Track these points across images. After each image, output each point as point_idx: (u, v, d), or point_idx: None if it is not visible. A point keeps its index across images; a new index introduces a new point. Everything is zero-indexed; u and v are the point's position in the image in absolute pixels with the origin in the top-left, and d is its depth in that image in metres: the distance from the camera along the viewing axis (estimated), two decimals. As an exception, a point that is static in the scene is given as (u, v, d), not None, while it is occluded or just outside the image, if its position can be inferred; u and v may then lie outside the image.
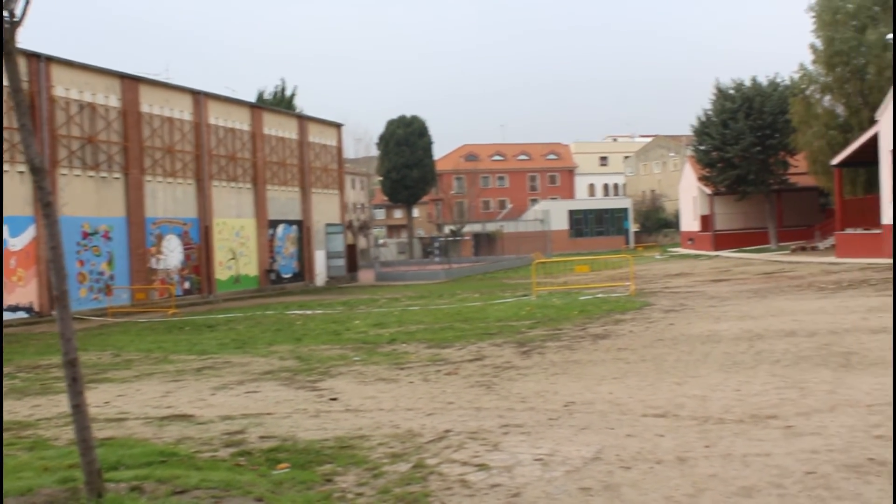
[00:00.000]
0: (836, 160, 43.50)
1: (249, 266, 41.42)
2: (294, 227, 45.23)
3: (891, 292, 21.55)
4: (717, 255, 57.38)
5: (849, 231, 42.39)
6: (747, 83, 59.75)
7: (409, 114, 79.86)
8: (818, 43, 48.18)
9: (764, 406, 9.07)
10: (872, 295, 21.26)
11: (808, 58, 50.32)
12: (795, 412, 8.68)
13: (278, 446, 8.19)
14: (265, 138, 43.14)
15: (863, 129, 42.73)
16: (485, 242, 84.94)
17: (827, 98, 49.63)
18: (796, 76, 51.30)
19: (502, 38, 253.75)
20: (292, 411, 10.18)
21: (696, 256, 59.46)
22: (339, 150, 51.68)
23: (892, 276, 26.10)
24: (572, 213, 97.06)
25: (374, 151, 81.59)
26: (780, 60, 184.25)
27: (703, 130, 60.68)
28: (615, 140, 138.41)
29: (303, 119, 47.77)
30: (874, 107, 41.49)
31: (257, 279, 41.81)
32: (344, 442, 8.30)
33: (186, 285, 37.04)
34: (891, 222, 37.00)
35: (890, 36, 40.63)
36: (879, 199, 39.10)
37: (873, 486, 6.13)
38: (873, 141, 39.10)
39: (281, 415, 9.98)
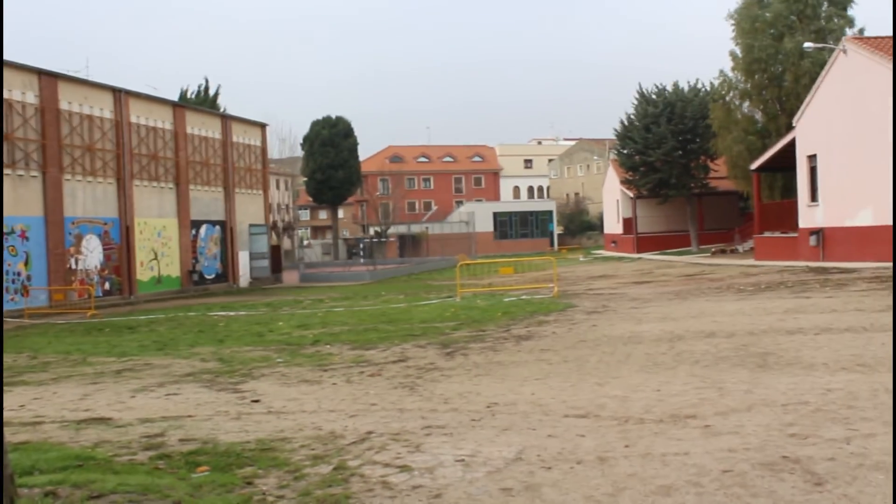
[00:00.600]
0: (754, 165, 44.35)
1: (171, 267, 40.85)
2: (217, 228, 44.74)
3: (807, 294, 22.03)
4: (639, 258, 58.09)
5: (767, 234, 43.24)
6: (669, 88, 60.61)
7: (334, 114, 79.55)
8: (738, 50, 49.08)
9: (683, 406, 9.19)
10: (789, 297, 21.69)
11: (728, 64, 51.28)
12: (714, 412, 8.81)
13: (198, 449, 8.08)
14: (188, 137, 42.57)
15: (780, 135, 43.63)
16: (410, 244, 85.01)
17: (746, 104, 50.59)
18: (717, 82, 52.16)
19: (427, 38, 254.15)
20: (213, 413, 10.07)
21: (619, 259, 60.14)
22: (264, 150, 51.26)
23: (835, 278, 26.66)
24: (497, 215, 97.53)
25: (299, 152, 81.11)
26: (702, 66, 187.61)
27: (626, 134, 61.40)
28: (540, 143, 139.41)
29: (226, 118, 47.27)
30: (791, 113, 42.38)
31: (179, 280, 41.27)
32: (265, 444, 8.23)
33: (107, 286, 36.39)
34: (808, 226, 37.84)
35: (806, 44, 41.51)
36: (796, 203, 39.94)
37: (787, 484, 6.24)
38: (790, 146, 39.93)
39: (202, 417, 9.87)
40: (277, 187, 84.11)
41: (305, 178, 79.74)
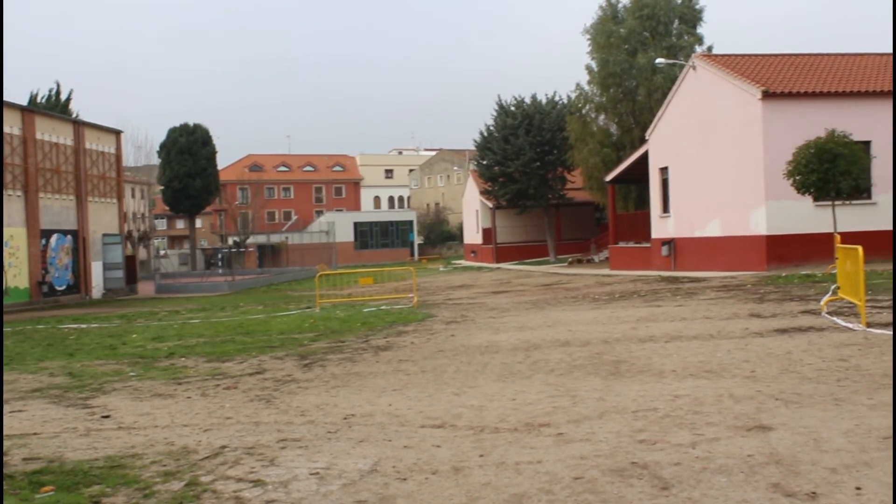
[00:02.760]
0: (609, 177, 45.48)
1: (20, 278, 39.36)
2: (69, 237, 43.34)
3: (659, 303, 22.63)
4: (498, 268, 58.79)
5: (621, 244, 44.37)
6: (528, 101, 61.59)
7: (192, 122, 78.11)
8: (594, 64, 50.32)
9: (537, 414, 9.32)
10: (641, 306, 22.25)
11: (584, 78, 52.46)
12: (567, 419, 8.96)
13: (43, 468, 7.80)
14: (38, 143, 41.11)
15: (634, 148, 44.88)
16: (269, 254, 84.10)
17: (602, 117, 51.84)
18: (573, 95, 53.28)
19: (289, 47, 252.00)
20: (61, 430, 9.74)
21: (479, 269, 60.75)
22: (119, 157, 49.91)
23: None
24: (357, 225, 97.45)
25: (156, 160, 79.22)
26: (561, 80, 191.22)
27: (486, 145, 62.14)
28: (400, 153, 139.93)
29: (79, 124, 45.83)
30: (644, 126, 43.63)
31: (28, 292, 39.79)
32: (115, 461, 8.00)
33: (-51, 298, 34.87)
34: (660, 236, 38.95)
35: (658, 60, 42.80)
36: (649, 214, 41.09)
37: (635, 489, 6.39)
38: (643, 159, 41.10)
39: (48, 434, 9.53)
40: (133, 196, 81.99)
41: (162, 187, 78.02)
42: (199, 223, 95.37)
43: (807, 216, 30.30)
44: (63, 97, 61.84)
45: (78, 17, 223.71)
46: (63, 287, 42.51)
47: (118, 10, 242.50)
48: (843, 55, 37.02)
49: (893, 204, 30.33)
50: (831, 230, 26.17)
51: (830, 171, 26.07)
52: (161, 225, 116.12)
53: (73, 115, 54.78)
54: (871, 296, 18.33)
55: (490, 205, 66.14)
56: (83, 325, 25.80)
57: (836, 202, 27.32)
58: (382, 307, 26.65)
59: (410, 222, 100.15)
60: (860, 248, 15.24)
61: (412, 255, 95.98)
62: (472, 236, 75.14)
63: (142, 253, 76.59)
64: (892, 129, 29.85)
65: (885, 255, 29.88)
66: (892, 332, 13.55)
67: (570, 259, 56.62)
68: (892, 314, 13.67)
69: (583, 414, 9.20)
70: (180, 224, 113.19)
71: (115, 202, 48.65)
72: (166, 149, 76.49)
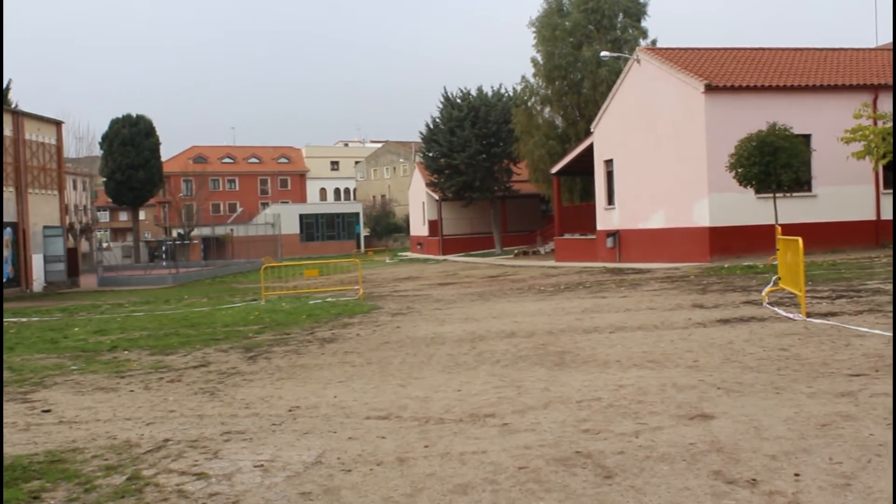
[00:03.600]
0: (554, 169, 45.69)
1: (-43, 271, 38.66)
2: (8, 230, 42.56)
3: (604, 294, 22.80)
4: (444, 259, 58.82)
5: (567, 236, 44.61)
6: (474, 93, 61.62)
7: (135, 113, 77.13)
8: (539, 57, 50.43)
9: (483, 405, 9.34)
10: (587, 297, 22.40)
11: (530, 70, 52.57)
12: (512, 410, 8.99)
13: (-19, 463, 7.68)
14: (-25, 135, 40.39)
15: (579, 140, 45.06)
16: (214, 246, 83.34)
17: (547, 110, 51.95)
18: (519, 87, 53.36)
19: (234, 38, 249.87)
20: (-1, 425, 9.59)
21: (425, 261, 60.73)
22: (60, 148, 49.10)
23: (626, 278, 27.54)
24: (304, 217, 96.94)
25: (98, 151, 78.11)
26: (507, 72, 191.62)
27: (432, 137, 62.08)
28: (346, 145, 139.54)
29: (18, 115, 45.00)
30: (589, 119, 43.84)
31: (-34, 285, 39.09)
32: (55, 456, 7.89)
33: None
34: (605, 228, 39.22)
35: (603, 53, 43.04)
36: (594, 206, 41.35)
37: (579, 478, 6.44)
38: (588, 151, 41.32)
39: (-14, 429, 9.38)
40: (75, 188, 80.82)
41: (105, 179, 77.00)
42: (142, 215, 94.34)
43: (749, 208, 30.69)
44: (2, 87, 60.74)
45: (17, 8, 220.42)
46: (3, 280, 41.79)
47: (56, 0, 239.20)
48: (784, 49, 37.52)
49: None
50: (772, 222, 26.51)
51: (772, 163, 26.40)
52: (104, 217, 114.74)
53: (13, 106, 53.83)
54: (810, 286, 18.61)
55: (436, 197, 66.11)
56: (23, 319, 25.40)
57: (777, 195, 27.69)
58: (328, 299, 26.57)
59: (357, 214, 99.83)
60: (800, 240, 15.48)
61: (358, 247, 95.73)
62: (419, 228, 75.09)
63: (84, 245, 75.56)
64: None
65: (825, 246, 30.41)
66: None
67: (515, 251, 56.78)
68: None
69: (528, 404, 9.24)
70: (123, 216, 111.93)
71: (56, 194, 47.88)
72: (109, 140, 75.46)
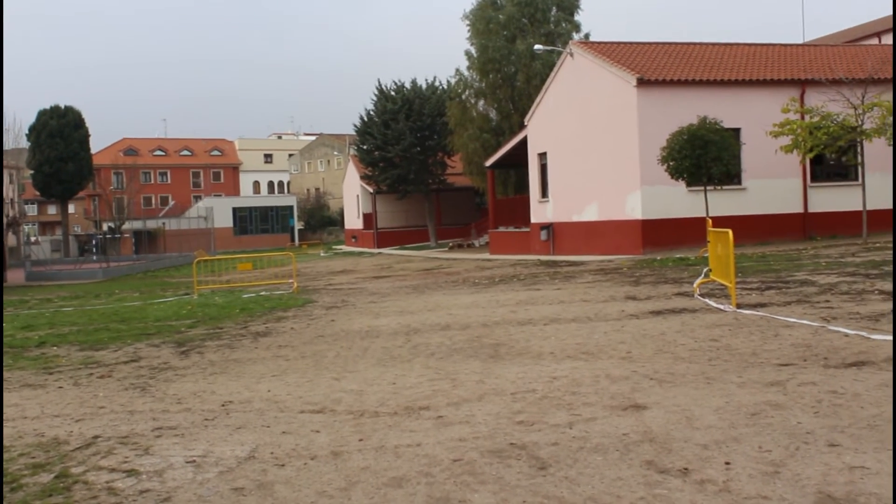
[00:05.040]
0: (489, 162, 45.85)
1: None
2: (-68, 224, 41.67)
3: (538, 287, 22.91)
4: (379, 253, 58.77)
5: (501, 229, 44.81)
6: (408, 86, 61.57)
7: (63, 103, 75.76)
8: (473, 50, 50.56)
9: (417, 398, 9.33)
10: (521, 289, 22.49)
11: (464, 63, 52.66)
12: (447, 402, 8.99)
13: None
14: None
15: (513, 133, 45.29)
16: (146, 240, 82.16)
17: (481, 102, 52.11)
18: (453, 80, 53.43)
19: (166, 27, 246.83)
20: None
21: (360, 254, 60.62)
22: (-16, 141, 48.17)
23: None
24: (237, 210, 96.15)
25: (25, 143, 76.62)
26: (439, 65, 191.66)
27: (366, 130, 61.95)
28: (280, 137, 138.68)
29: (-59, 107, 44.00)
30: (523, 112, 44.05)
31: None
32: (-20, 454, 7.73)
33: None
34: (539, 221, 39.44)
35: (536, 47, 43.24)
36: (529, 199, 41.55)
37: (513, 469, 6.46)
38: (522, 144, 41.52)
39: None
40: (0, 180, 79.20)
41: (32, 171, 75.56)
42: (71, 208, 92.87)
43: (680, 201, 31.07)
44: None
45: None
46: (-74, 275, 40.82)
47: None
48: (714, 45, 38.02)
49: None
50: (703, 215, 26.89)
51: (702, 157, 26.81)
52: (31, 210, 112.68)
53: (-64, 97, 52.53)
54: (740, 278, 18.89)
55: (371, 190, 65.99)
56: (-52, 315, 24.85)
57: (708, 187, 28.10)
58: (262, 293, 26.38)
59: (291, 207, 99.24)
60: (730, 232, 15.69)
61: (292, 240, 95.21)
62: (353, 221, 74.90)
63: (11, 239, 74.10)
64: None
65: (755, 238, 30.89)
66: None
67: (450, 244, 56.90)
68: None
69: (462, 397, 9.24)
70: (52, 209, 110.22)
71: (-18, 187, 46.92)
72: (36, 132, 74.03)
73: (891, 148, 29.30)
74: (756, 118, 31.25)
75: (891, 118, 28.20)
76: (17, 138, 77.40)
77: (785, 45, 39.14)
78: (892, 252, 23.50)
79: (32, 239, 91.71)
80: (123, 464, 7.22)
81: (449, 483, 6.26)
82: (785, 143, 29.22)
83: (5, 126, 72.97)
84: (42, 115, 74.63)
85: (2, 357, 14.10)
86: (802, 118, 29.54)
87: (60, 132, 73.58)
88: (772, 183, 32.59)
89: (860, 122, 28.60)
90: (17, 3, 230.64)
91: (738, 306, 14.98)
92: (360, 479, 6.46)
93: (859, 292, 15.82)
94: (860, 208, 29.34)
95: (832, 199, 33.39)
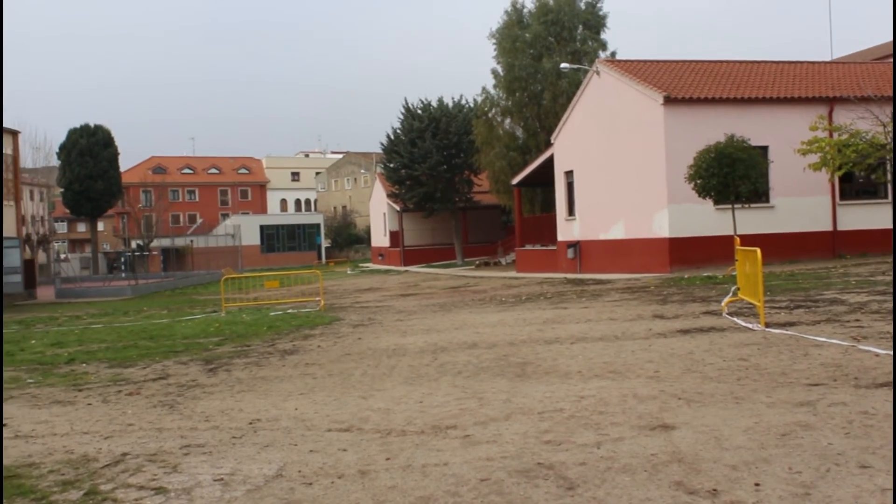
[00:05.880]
0: (515, 180, 45.81)
1: (-89, 283, 38.03)
2: (-37, 242, 42.00)
3: (565, 305, 22.85)
4: (406, 271, 58.79)
5: (528, 247, 44.73)
6: (434, 104, 61.71)
7: (93, 122, 76.41)
8: (499, 68, 50.63)
9: (444, 417, 9.32)
10: (548, 308, 22.44)
11: (490, 82, 52.73)
12: (473, 421, 8.98)
13: (-65, 479, 7.55)
14: (-70, 145, 39.81)
15: (540, 151, 45.25)
16: (174, 258, 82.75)
17: (508, 121, 52.11)
18: (480, 99, 53.49)
19: (194, 48, 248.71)
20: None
21: (387, 271, 60.68)
22: (16, 158, 48.57)
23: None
24: (264, 228, 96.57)
25: (55, 161, 77.34)
26: (466, 84, 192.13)
27: (393, 148, 62.10)
28: (307, 156, 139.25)
29: (-27, 125, 44.47)
30: (550, 130, 44.01)
31: (-80, 297, 38.45)
32: (10, 471, 7.76)
33: None
34: (566, 239, 39.37)
35: (563, 65, 43.25)
36: (555, 217, 41.49)
37: (541, 489, 6.44)
38: (549, 162, 41.48)
39: (-60, 444, 9.22)
40: (31, 198, 79.99)
41: (62, 189, 76.23)
42: (101, 226, 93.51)
43: (708, 219, 30.92)
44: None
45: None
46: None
47: (14, 6, 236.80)
48: (741, 62, 37.90)
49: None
50: (731, 233, 26.74)
51: (730, 175, 26.70)
52: (61, 228, 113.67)
53: (-32, 116, 53.09)
54: (769, 296, 18.77)
55: (397, 208, 66.11)
56: (-21, 332, 25.05)
57: (736, 206, 27.96)
58: (289, 311, 26.45)
59: (317, 225, 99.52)
60: (759, 251, 15.59)
61: (319, 258, 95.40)
62: (380, 239, 75.04)
63: (41, 257, 74.72)
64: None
65: (783, 256, 30.68)
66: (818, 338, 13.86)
67: (477, 262, 56.86)
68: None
69: (489, 416, 9.22)
70: (82, 227, 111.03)
71: (13, 205, 47.31)
72: (66, 150, 74.75)
73: None
74: (784, 136, 31.09)
75: None
76: (47, 157, 78.17)
77: (813, 63, 38.96)
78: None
79: (62, 256, 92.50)
80: (152, 481, 7.25)
81: (476, 503, 6.24)
82: (813, 160, 29.03)
83: (36, 144, 73.58)
84: (72, 133, 75.32)
85: (2, 363, 14.15)
86: (831, 136, 29.33)
87: (90, 150, 74.23)
88: (800, 201, 32.40)
89: (889, 140, 28.39)
90: (50, 23, 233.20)
91: (767, 325, 14.88)
92: (387, 499, 6.45)
93: (890, 311, 15.68)
94: (890, 226, 29.10)
95: (862, 216, 33.13)
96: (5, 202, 46.27)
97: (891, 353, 11.30)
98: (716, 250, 30.16)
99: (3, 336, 22.31)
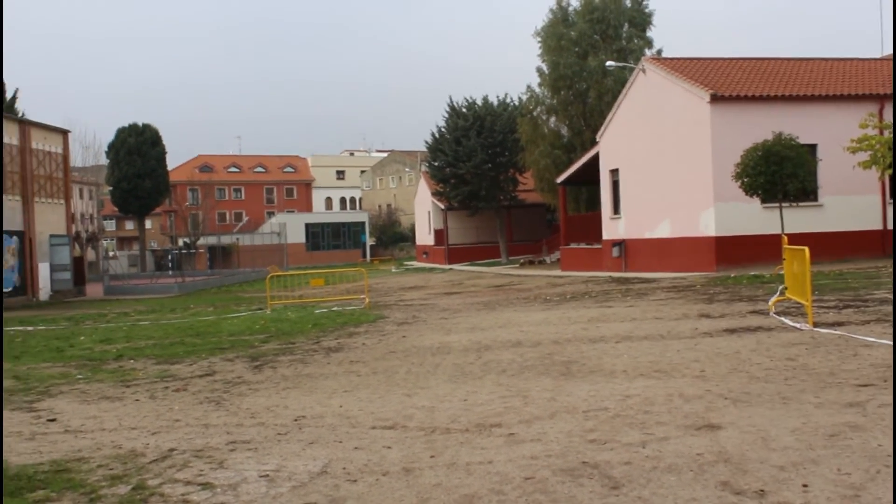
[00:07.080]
0: (560, 178, 45.69)
1: (-36, 280, 38.65)
2: (15, 239, 42.58)
3: (610, 304, 22.75)
4: (450, 269, 58.81)
5: (573, 246, 44.59)
6: (479, 102, 61.69)
7: (141, 122, 77.15)
8: (544, 67, 50.54)
9: (489, 415, 9.31)
10: (593, 306, 22.35)
11: (535, 80, 52.64)
12: (518, 420, 8.96)
13: (-14, 473, 7.65)
14: (-18, 144, 40.38)
15: (585, 150, 45.10)
16: (220, 255, 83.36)
17: (553, 119, 52.01)
18: (524, 97, 53.43)
19: (240, 46, 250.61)
20: (5, 434, 9.55)
21: (431, 270, 60.74)
22: (66, 157, 49.14)
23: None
24: (309, 226, 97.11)
25: (104, 160, 78.14)
26: (511, 82, 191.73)
27: (437, 147, 62.16)
28: (352, 154, 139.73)
29: (24, 124, 45.07)
30: (595, 128, 43.84)
31: (-28, 294, 39.05)
32: (60, 465, 7.87)
33: None
34: (611, 237, 39.19)
35: (609, 63, 43.05)
36: (600, 215, 41.32)
37: (585, 489, 6.41)
38: (594, 161, 41.32)
39: (-8, 438, 9.36)
40: (81, 196, 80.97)
41: (111, 188, 77.03)
42: (148, 224, 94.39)
43: (755, 218, 30.65)
44: (8, 96, 60.77)
45: (21, 18, 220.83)
46: (9, 289, 41.76)
47: (64, 9, 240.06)
48: (789, 59, 37.52)
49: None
50: (779, 231, 26.46)
51: (777, 173, 26.42)
52: (110, 226, 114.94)
53: (19, 115, 53.89)
54: (817, 296, 18.57)
55: (442, 206, 66.17)
56: (30, 328, 25.41)
57: (784, 204, 27.66)
58: (334, 308, 26.55)
59: (362, 223, 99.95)
60: (807, 250, 15.43)
61: (364, 256, 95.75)
62: (424, 237, 75.17)
63: (90, 254, 75.74)
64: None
65: (831, 256, 30.33)
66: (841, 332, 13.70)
67: (521, 260, 56.78)
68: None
69: (534, 414, 9.20)
70: (129, 225, 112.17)
71: (63, 203, 47.91)
72: (115, 149, 75.47)
73: None
74: (833, 134, 30.74)
75: None
76: (96, 155, 79.06)
77: (862, 60, 38.48)
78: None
79: (111, 254, 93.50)
80: (198, 477, 7.30)
81: (521, 501, 6.23)
82: (863, 158, 28.64)
83: (85, 143, 74.42)
84: (121, 132, 76.03)
85: (2, 369, 14.30)
86: (881, 133, 28.95)
87: (138, 149, 74.89)
88: (849, 199, 32.03)
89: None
90: (102, 28, 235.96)
91: (815, 325, 14.72)
92: (431, 496, 6.46)
93: (941, 312, 15.45)
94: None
95: (913, 215, 32.68)
96: (57, 200, 46.90)
97: (942, 353, 11.14)
98: (763, 249, 29.90)
99: (10, 337, 22.64)
